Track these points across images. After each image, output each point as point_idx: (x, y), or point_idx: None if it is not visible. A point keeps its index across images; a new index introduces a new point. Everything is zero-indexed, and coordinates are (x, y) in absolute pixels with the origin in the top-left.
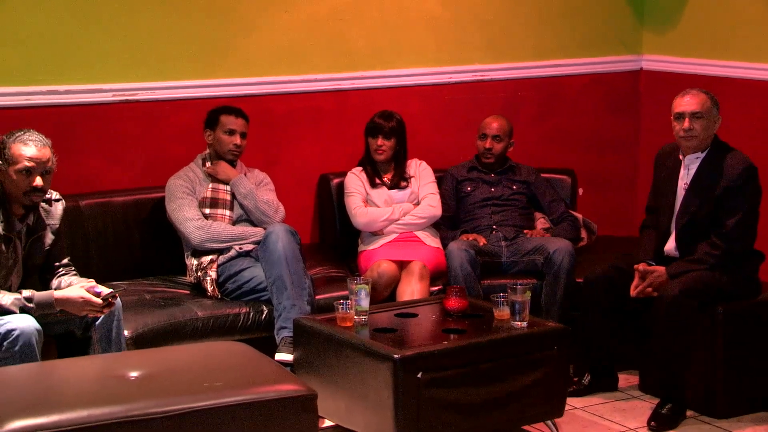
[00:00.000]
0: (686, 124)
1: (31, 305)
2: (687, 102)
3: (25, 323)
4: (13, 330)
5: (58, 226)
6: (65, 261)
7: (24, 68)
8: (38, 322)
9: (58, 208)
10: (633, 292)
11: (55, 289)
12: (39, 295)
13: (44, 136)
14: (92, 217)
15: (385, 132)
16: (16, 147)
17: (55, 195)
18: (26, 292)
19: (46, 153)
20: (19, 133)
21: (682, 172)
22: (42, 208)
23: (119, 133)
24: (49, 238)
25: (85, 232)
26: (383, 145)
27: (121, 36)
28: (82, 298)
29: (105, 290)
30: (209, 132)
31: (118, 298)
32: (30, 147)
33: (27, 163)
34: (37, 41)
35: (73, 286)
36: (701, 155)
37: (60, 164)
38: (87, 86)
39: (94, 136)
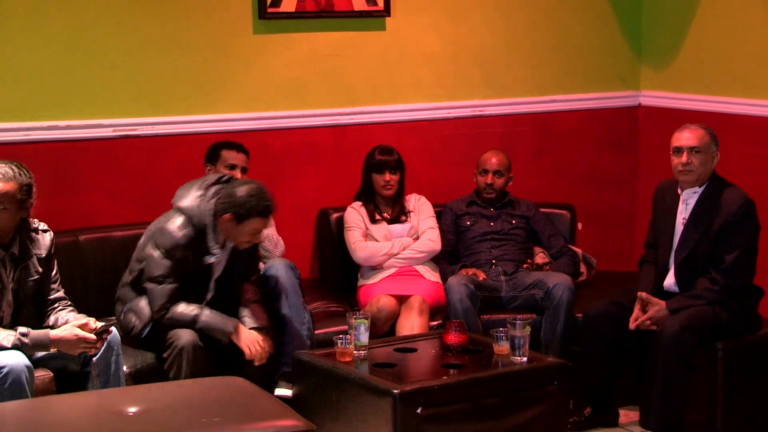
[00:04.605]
0: (684, 158)
1: (26, 340)
2: (685, 137)
3: (14, 360)
4: (2, 367)
5: (44, 255)
6: (59, 294)
7: (24, 104)
8: (37, 356)
9: (46, 238)
10: (632, 325)
11: (52, 327)
12: (35, 333)
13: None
14: (91, 252)
15: (392, 167)
16: None
17: (42, 225)
18: (22, 329)
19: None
20: None
21: (681, 207)
22: (28, 236)
23: (119, 168)
24: (37, 267)
25: (84, 266)
26: (391, 179)
27: (120, 71)
28: (76, 336)
29: (98, 324)
30: (210, 166)
31: (116, 333)
32: None
33: None
34: (37, 77)
35: (66, 326)
36: (699, 190)
37: (59, 199)
38: (87, 122)
39: (94, 172)
